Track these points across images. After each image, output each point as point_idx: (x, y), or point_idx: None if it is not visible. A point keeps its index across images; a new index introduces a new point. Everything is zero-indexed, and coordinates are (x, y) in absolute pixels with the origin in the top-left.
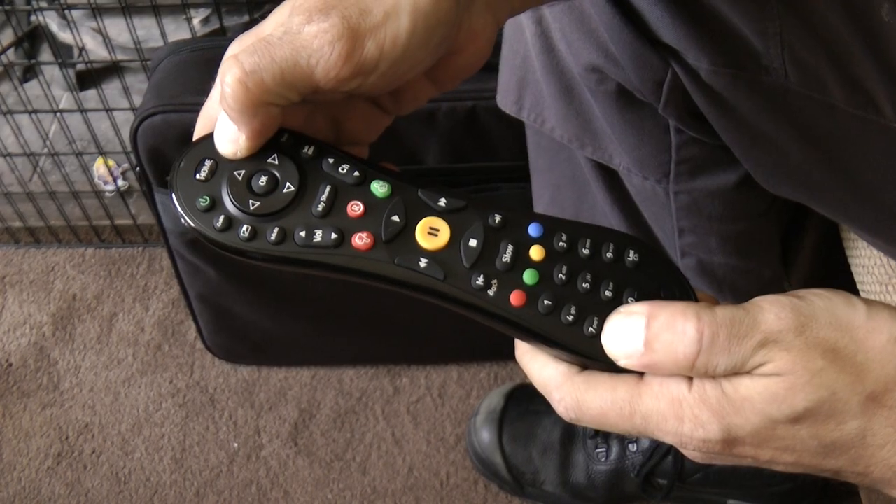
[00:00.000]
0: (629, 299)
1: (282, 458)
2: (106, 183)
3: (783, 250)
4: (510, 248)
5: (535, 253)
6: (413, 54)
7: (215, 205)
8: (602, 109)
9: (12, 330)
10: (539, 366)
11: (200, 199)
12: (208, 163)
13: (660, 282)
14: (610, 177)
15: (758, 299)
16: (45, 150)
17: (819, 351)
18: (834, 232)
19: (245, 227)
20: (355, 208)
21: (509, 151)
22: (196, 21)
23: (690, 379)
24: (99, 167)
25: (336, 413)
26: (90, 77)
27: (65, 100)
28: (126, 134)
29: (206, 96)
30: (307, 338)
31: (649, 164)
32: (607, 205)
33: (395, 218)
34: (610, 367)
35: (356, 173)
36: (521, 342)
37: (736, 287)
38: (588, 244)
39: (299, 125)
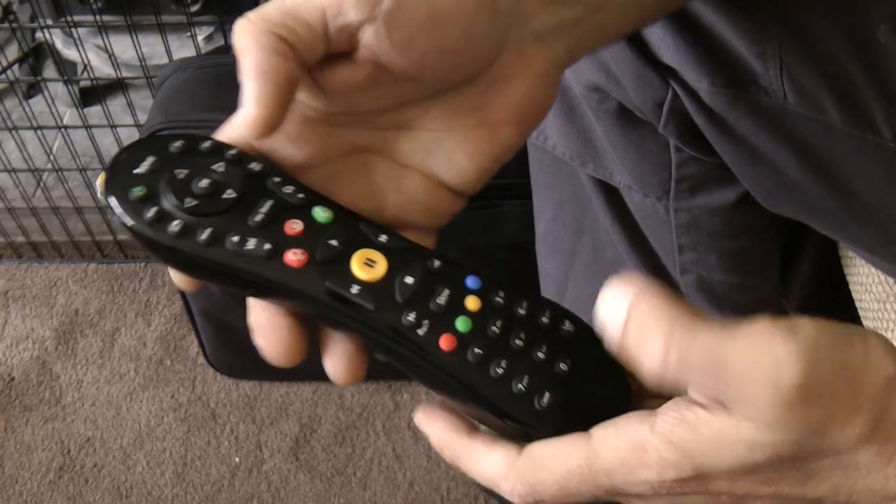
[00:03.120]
0: (562, 365)
1: (283, 473)
2: None
3: (781, 268)
4: (446, 291)
5: (471, 303)
6: (432, 28)
7: (150, 197)
8: (603, 128)
9: (15, 344)
10: (476, 459)
11: (136, 189)
12: (151, 159)
13: (594, 358)
14: (611, 194)
15: (758, 326)
16: (49, 166)
17: (805, 395)
18: (832, 250)
19: (177, 223)
20: (294, 226)
21: (511, 168)
22: (199, 38)
23: (651, 419)
24: (102, 183)
25: (337, 428)
26: (93, 93)
27: (68, 115)
28: None
29: (212, 112)
30: (308, 353)
31: (650, 181)
32: (608, 221)
33: (333, 242)
34: (538, 432)
35: (300, 195)
36: (451, 443)
37: (735, 304)
38: (525, 306)
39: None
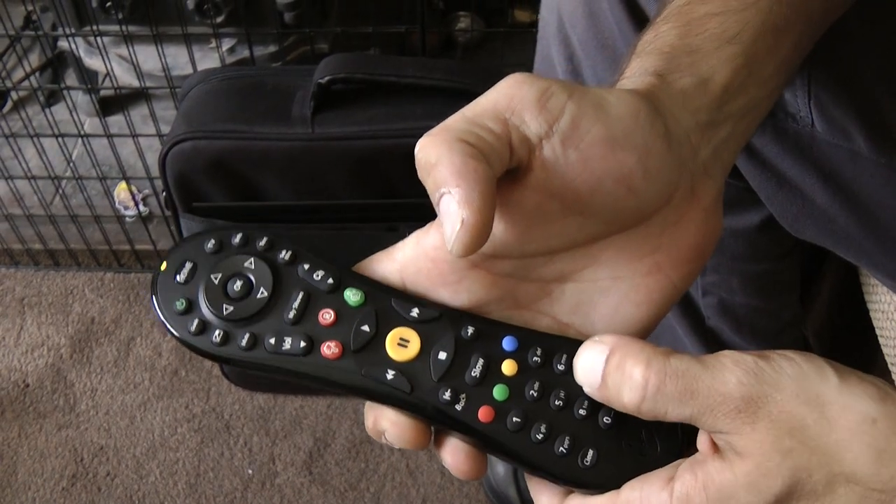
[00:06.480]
0: (605, 418)
1: (296, 486)
2: (127, 208)
3: (800, 293)
4: (481, 361)
5: (508, 367)
6: (608, 152)
7: (191, 308)
8: None
9: (30, 351)
10: (535, 491)
11: (177, 302)
12: (188, 265)
13: None
14: None
15: (723, 356)
16: (69, 174)
17: (785, 429)
18: (852, 277)
19: (218, 332)
20: (326, 316)
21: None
22: (222, 50)
23: (670, 485)
24: (120, 192)
25: (351, 443)
26: (113, 102)
27: (88, 124)
28: (148, 160)
29: (236, 123)
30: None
31: None
32: None
33: (365, 328)
34: (580, 488)
35: (330, 280)
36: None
37: (756, 327)
38: (564, 360)
39: None
